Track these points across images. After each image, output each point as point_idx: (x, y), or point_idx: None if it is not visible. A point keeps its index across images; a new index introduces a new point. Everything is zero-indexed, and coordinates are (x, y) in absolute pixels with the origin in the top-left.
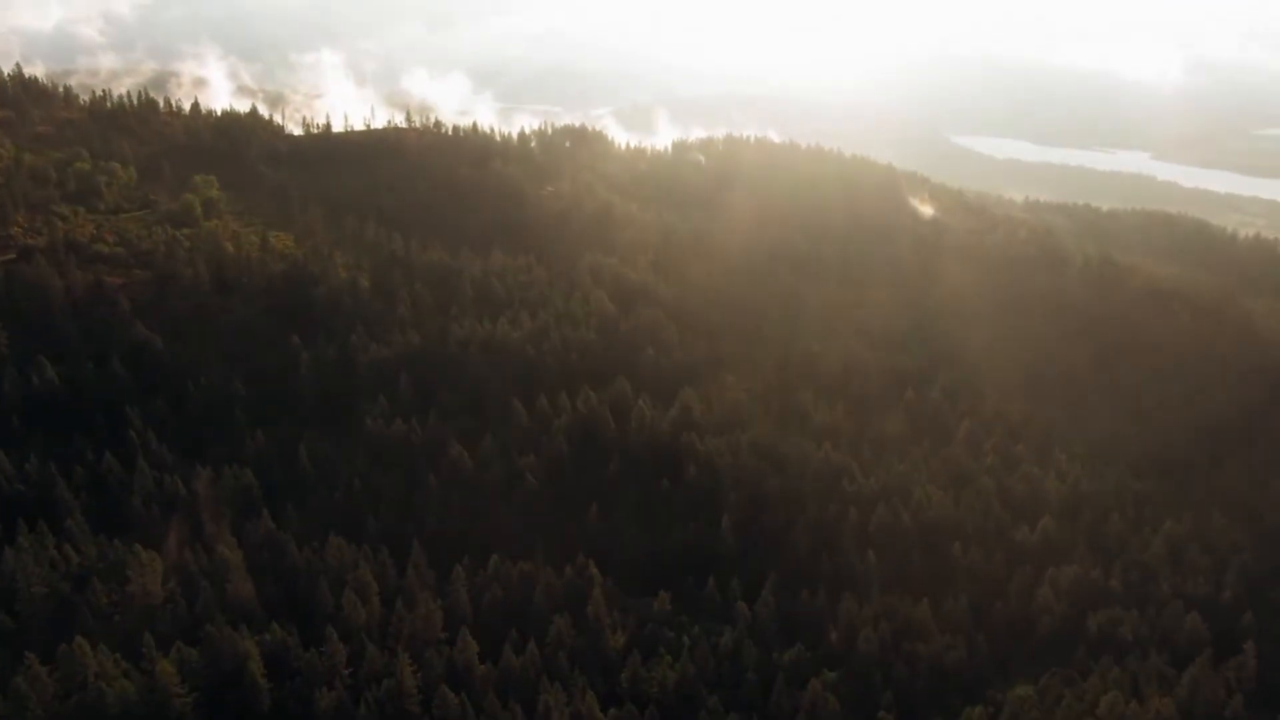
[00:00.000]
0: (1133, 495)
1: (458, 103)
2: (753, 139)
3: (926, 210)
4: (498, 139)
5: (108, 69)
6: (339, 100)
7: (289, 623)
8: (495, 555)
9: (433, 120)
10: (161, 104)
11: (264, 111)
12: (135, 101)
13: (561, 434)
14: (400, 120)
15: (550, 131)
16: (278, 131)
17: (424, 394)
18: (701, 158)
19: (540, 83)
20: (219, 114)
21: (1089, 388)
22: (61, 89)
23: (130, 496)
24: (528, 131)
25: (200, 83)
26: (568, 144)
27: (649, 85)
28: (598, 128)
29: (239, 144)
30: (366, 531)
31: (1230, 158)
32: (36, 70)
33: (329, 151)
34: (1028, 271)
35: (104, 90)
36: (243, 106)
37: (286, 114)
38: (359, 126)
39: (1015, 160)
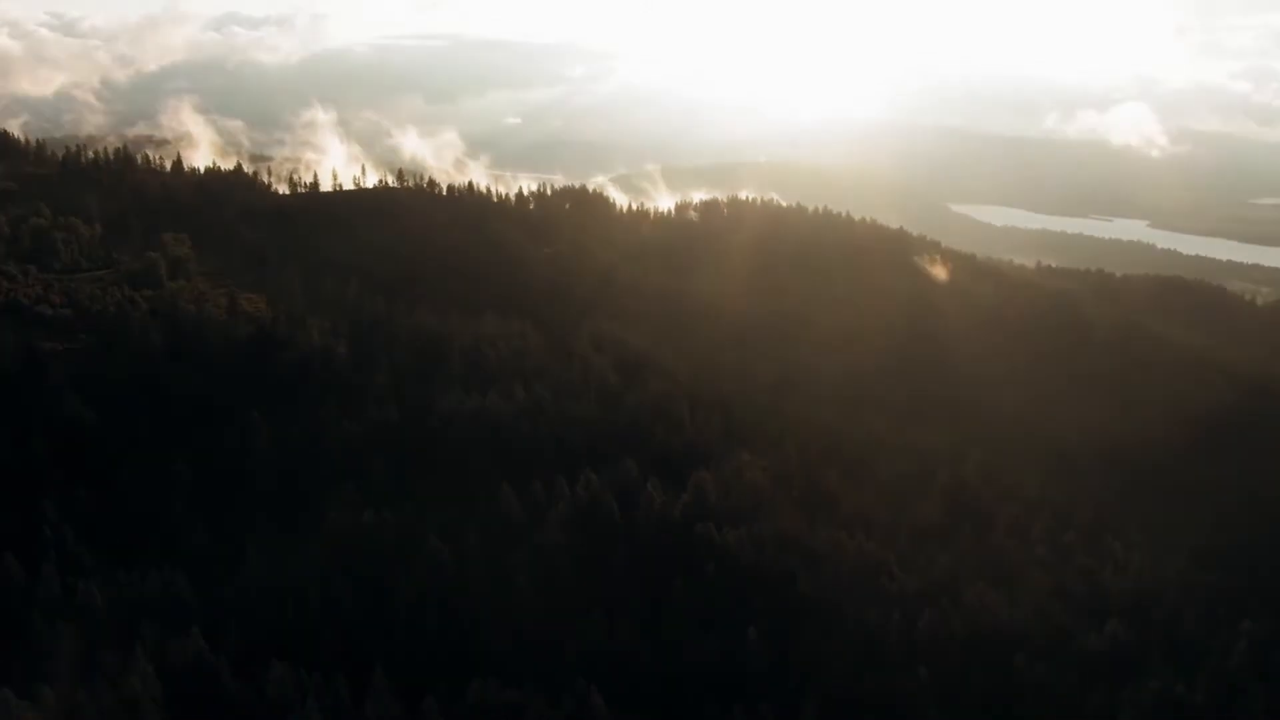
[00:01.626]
0: (1203, 589)
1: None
2: (759, 202)
3: (941, 274)
4: (494, 199)
5: (93, 127)
6: (329, 159)
7: None
8: (476, 680)
9: (426, 180)
10: (140, 160)
11: (250, 169)
12: (111, 157)
13: (558, 525)
14: (392, 180)
15: (549, 193)
16: (262, 190)
17: (400, 478)
18: (707, 220)
19: (538, 151)
20: (201, 171)
21: (1133, 466)
22: (34, 143)
23: (31, 611)
24: (526, 193)
25: (186, 139)
26: (567, 206)
27: (649, 155)
28: (599, 191)
29: (219, 202)
30: (321, 652)
31: (1228, 225)
32: (15, 126)
33: (315, 211)
34: (1051, 337)
35: (78, 145)
36: (229, 165)
37: (273, 172)
38: (349, 186)
39: (1013, 228)
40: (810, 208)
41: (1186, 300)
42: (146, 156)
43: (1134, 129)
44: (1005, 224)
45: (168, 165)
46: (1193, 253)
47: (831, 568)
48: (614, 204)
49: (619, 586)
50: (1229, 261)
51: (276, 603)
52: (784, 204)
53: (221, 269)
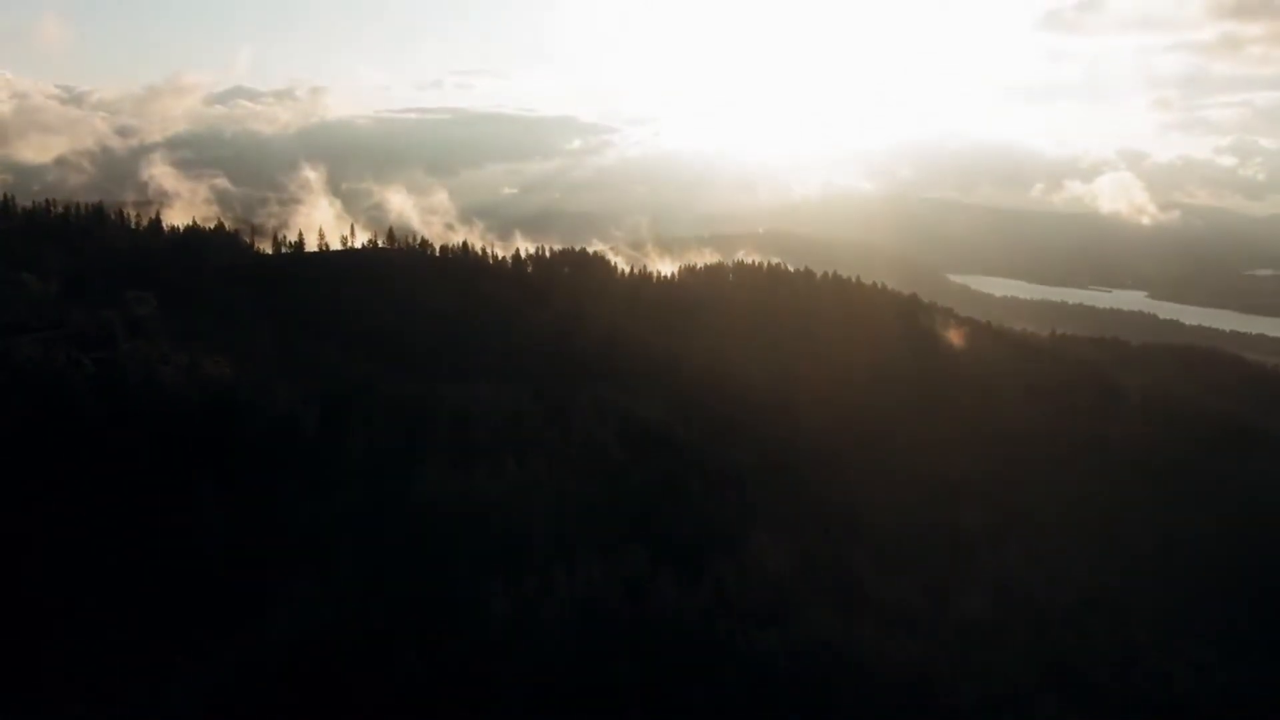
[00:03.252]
0: None
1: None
2: (764, 266)
3: (959, 340)
4: (489, 261)
5: (80, 190)
6: (316, 218)
7: None
8: None
9: (418, 241)
10: (114, 216)
11: (232, 229)
12: (81, 212)
13: (555, 625)
14: (382, 241)
15: (547, 255)
16: (244, 249)
17: (370, 571)
18: (712, 284)
19: (534, 221)
20: (180, 229)
21: (1188, 548)
22: (2, 196)
23: None
24: (523, 256)
25: (166, 198)
26: (566, 270)
27: (646, 226)
28: (599, 253)
29: (195, 261)
30: None
31: (1227, 297)
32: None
33: (298, 270)
34: (1081, 406)
35: (48, 200)
36: (211, 224)
37: (257, 232)
38: (336, 247)
39: (1014, 298)
40: (818, 272)
41: (1209, 369)
42: (122, 213)
43: (1122, 195)
44: (1004, 294)
45: (145, 223)
46: (1195, 323)
47: (871, 675)
48: (614, 266)
49: (627, 698)
50: (1233, 332)
51: None
52: (791, 268)
53: (190, 330)
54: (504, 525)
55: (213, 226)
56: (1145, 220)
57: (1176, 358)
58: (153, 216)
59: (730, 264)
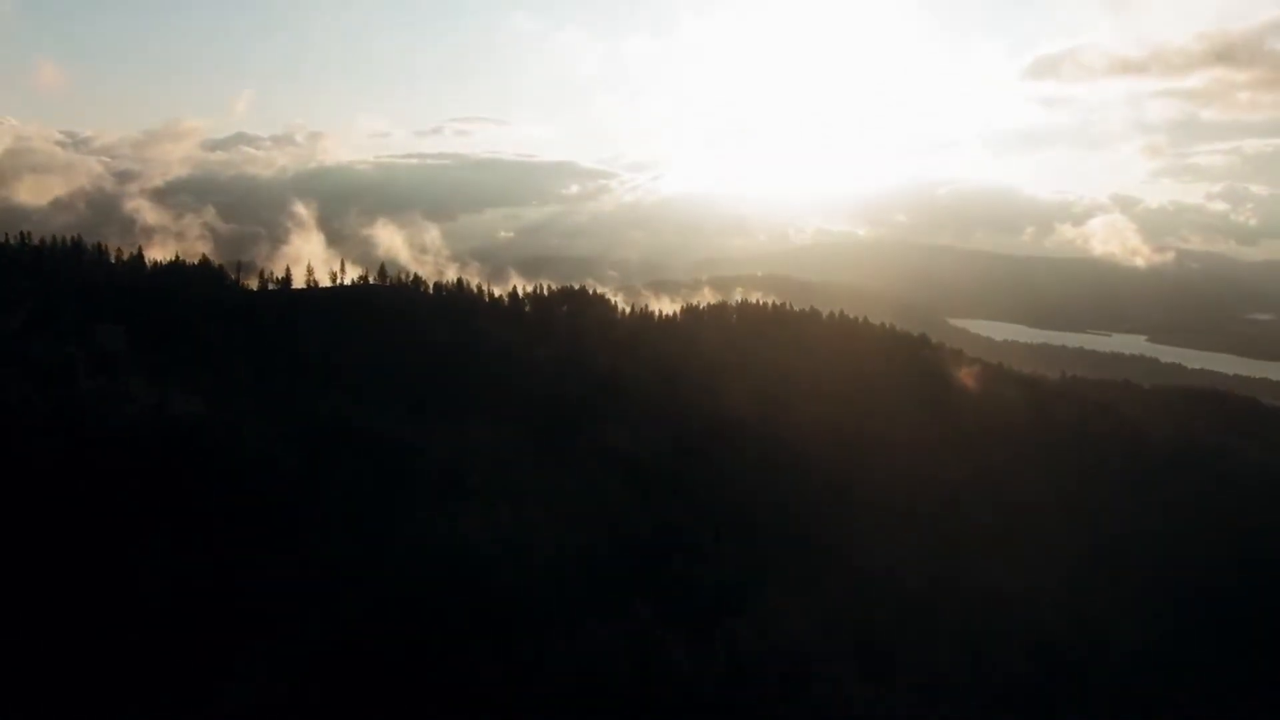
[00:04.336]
0: None
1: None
2: (770, 305)
3: (972, 381)
4: (485, 299)
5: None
6: (306, 253)
7: None
8: None
9: (410, 277)
10: (91, 250)
11: (217, 264)
12: (56, 243)
13: (553, 695)
14: (373, 278)
15: (545, 294)
16: (228, 285)
17: (342, 635)
18: (716, 323)
19: (531, 265)
20: (163, 263)
21: (1244, 610)
22: None
23: None
24: (520, 294)
25: (151, 231)
26: (564, 308)
27: (644, 271)
28: (599, 292)
29: (176, 295)
30: None
31: (1227, 341)
32: None
33: (282, 306)
34: (1107, 452)
35: (23, 232)
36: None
37: (243, 267)
38: (325, 283)
39: (1014, 342)
40: (824, 312)
41: (1224, 413)
42: (99, 247)
43: (1114, 237)
44: (1005, 338)
45: (126, 257)
46: (1198, 366)
47: None
48: (614, 305)
49: None
50: (1237, 376)
51: None
52: (797, 308)
53: (162, 367)
54: (495, 580)
55: (196, 262)
56: (1140, 263)
57: (1191, 402)
58: (134, 251)
59: (734, 303)
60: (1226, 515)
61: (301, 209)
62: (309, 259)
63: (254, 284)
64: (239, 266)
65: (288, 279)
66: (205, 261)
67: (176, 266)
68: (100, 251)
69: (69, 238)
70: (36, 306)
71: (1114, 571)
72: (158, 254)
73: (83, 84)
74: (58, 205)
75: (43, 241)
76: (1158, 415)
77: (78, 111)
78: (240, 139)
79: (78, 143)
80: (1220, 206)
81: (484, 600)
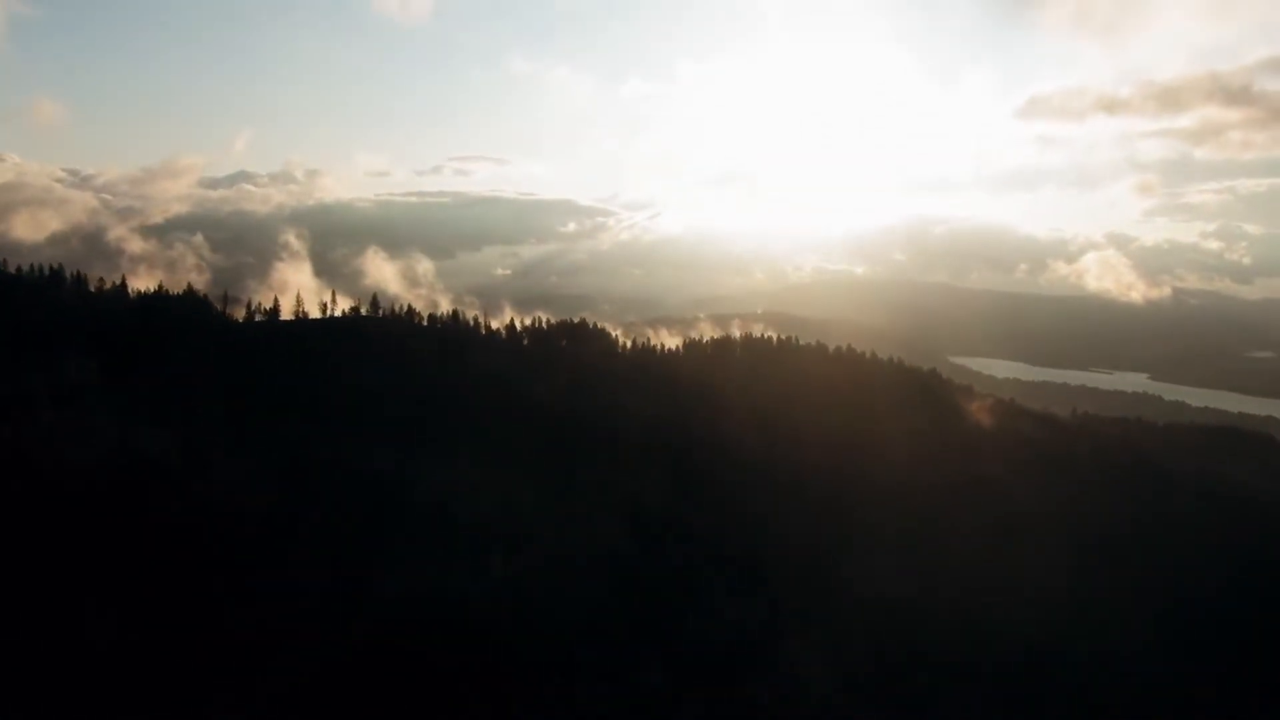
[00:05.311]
0: None
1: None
2: (774, 339)
3: (986, 416)
4: (481, 331)
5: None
6: (295, 283)
7: None
8: None
9: (404, 308)
10: (70, 278)
11: (203, 294)
12: (35, 273)
13: None
14: (365, 310)
15: (545, 326)
16: (214, 315)
17: (316, 692)
18: (720, 358)
19: (529, 303)
20: (144, 293)
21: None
22: None
23: None
24: (519, 327)
25: (137, 262)
26: (564, 342)
27: (642, 308)
28: (599, 326)
29: (156, 326)
30: None
31: (1229, 378)
32: None
33: (270, 338)
34: (1130, 490)
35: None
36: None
37: (230, 298)
38: (315, 315)
39: (1017, 379)
40: (830, 346)
41: (1241, 449)
42: (80, 275)
43: (1108, 273)
44: (1006, 375)
45: (108, 286)
46: (1201, 404)
47: None
48: (616, 339)
49: None
50: (1240, 413)
51: None
52: (802, 342)
53: (133, 401)
54: (487, 635)
55: (180, 291)
56: (1138, 300)
57: (1206, 439)
58: (117, 281)
59: (738, 338)
60: (1239, 544)
61: (294, 241)
62: (300, 290)
63: (240, 314)
64: (225, 297)
65: (275, 309)
66: (190, 291)
67: (158, 297)
68: (80, 280)
69: (49, 266)
70: (1, 337)
71: (1131, 601)
72: (141, 281)
73: (87, 123)
74: (53, 240)
75: (19, 270)
76: (1179, 452)
77: (82, 150)
78: (241, 176)
79: (81, 180)
80: (1215, 245)
81: (475, 657)
